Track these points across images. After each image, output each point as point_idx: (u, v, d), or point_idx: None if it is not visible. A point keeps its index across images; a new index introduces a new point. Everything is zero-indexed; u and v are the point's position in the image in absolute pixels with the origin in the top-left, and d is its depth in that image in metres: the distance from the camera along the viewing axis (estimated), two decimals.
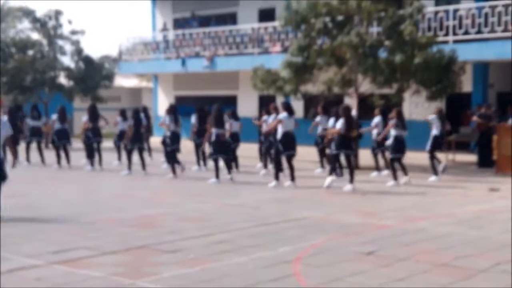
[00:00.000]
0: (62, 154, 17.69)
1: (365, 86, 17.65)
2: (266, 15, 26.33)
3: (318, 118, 16.40)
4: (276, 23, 21.42)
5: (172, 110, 15.88)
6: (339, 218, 10.04)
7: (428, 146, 15.29)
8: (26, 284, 6.28)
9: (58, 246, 7.79)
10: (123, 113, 17.63)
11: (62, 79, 27.99)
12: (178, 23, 29.68)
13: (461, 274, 6.65)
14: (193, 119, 17.21)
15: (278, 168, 13.75)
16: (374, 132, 15.79)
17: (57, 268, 6.82)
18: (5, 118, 10.05)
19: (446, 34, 19.70)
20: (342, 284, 6.30)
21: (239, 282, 6.35)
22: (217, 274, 6.61)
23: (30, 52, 27.23)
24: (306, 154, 17.90)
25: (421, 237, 8.55)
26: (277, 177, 13.67)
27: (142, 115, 17.33)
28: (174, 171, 15.19)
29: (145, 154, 17.04)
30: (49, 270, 6.77)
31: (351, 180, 13.03)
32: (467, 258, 7.31)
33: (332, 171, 13.55)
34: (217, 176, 14.17)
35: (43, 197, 12.39)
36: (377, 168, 15.85)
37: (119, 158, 18.37)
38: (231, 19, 27.96)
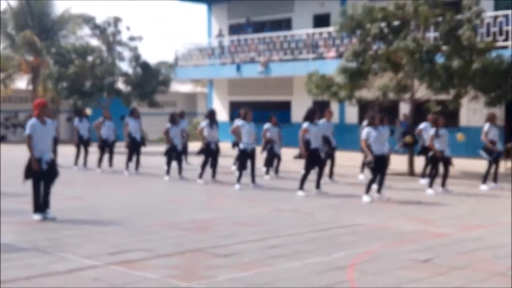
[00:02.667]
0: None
1: (421, 92, 17.43)
2: (321, 20, 26.28)
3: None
4: (331, 29, 21.36)
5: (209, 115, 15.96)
6: (394, 225, 9.94)
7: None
8: (85, 284, 6.44)
9: (115, 248, 7.97)
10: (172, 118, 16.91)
11: (120, 85, 28.57)
12: (233, 29, 29.91)
13: None
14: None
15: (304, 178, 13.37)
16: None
17: (114, 269, 6.97)
18: (50, 121, 10.32)
19: (506, 39, 19.28)
20: None
21: (292, 286, 6.36)
22: (271, 279, 6.64)
23: (90, 58, 27.89)
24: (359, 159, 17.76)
25: (477, 246, 8.39)
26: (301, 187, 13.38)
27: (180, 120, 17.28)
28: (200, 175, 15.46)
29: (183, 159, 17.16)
30: (106, 270, 6.93)
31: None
32: None
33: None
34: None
35: (103, 199, 12.68)
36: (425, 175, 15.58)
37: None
38: (286, 24, 28.01)
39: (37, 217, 9.95)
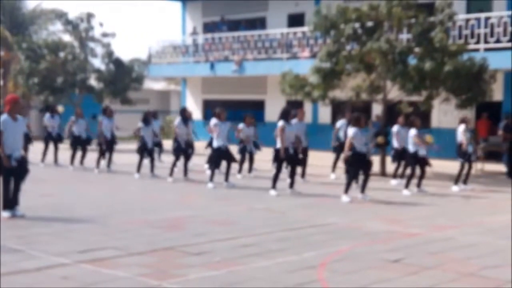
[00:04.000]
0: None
1: (394, 93, 17.56)
2: (295, 20, 26.35)
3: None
4: (305, 28, 21.43)
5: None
6: (365, 225, 10.00)
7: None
8: (53, 282, 6.36)
9: (85, 246, 7.89)
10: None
11: (93, 81, 28.31)
12: (208, 27, 29.84)
13: (488, 284, 6.57)
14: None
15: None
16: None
17: (84, 267, 6.90)
18: (22, 117, 10.21)
19: (477, 42, 19.51)
20: None
21: (264, 285, 6.36)
22: (242, 277, 6.63)
23: (62, 54, 27.58)
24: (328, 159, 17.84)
25: (448, 246, 8.47)
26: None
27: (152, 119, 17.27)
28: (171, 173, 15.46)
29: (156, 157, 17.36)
30: (76, 269, 6.85)
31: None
32: (495, 268, 7.22)
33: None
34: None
35: (74, 197, 12.55)
36: (397, 175, 15.78)
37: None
38: (260, 23, 28.02)
39: (6, 214, 9.81)
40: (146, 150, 16.30)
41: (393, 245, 8.42)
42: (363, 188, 12.82)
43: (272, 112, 26.49)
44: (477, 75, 16.69)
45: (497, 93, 20.06)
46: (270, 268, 7.04)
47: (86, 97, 27.95)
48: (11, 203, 9.87)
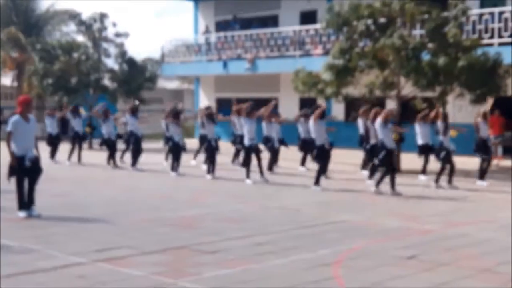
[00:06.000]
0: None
1: (408, 89, 17.48)
2: (308, 17, 26.29)
3: None
4: (318, 26, 21.38)
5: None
6: (380, 222, 9.97)
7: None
8: (70, 281, 6.41)
9: (101, 245, 7.94)
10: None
11: (106, 81, 28.43)
12: (220, 26, 29.86)
13: (503, 280, 6.54)
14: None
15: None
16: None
17: (100, 266, 6.95)
18: (34, 118, 10.30)
19: (491, 37, 19.38)
20: None
21: (279, 283, 6.37)
22: (257, 275, 6.64)
23: (75, 55, 27.70)
24: (347, 156, 17.81)
25: (463, 242, 8.44)
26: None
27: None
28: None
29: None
30: (92, 268, 6.90)
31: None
32: (509, 264, 7.18)
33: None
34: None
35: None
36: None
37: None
38: (273, 21, 28.00)
39: (22, 214, 9.89)
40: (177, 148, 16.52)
41: (408, 242, 8.40)
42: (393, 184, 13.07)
43: (285, 109, 26.47)
44: (491, 70, 16.57)
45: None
46: (285, 266, 7.05)
47: (100, 97, 28.08)
48: (26, 203, 9.94)
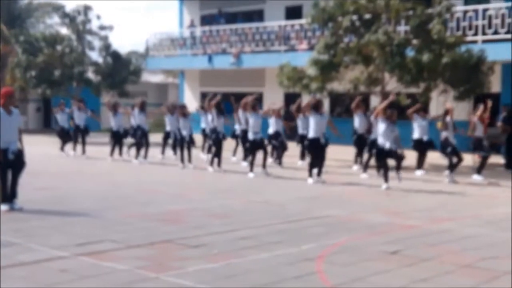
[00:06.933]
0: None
1: (392, 85, 17.55)
2: (293, 12, 26.29)
3: None
4: (303, 21, 21.38)
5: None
6: (364, 217, 10.01)
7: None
8: (52, 275, 6.36)
9: (84, 239, 7.88)
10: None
11: (90, 74, 28.28)
12: (205, 20, 29.77)
13: (485, 276, 6.58)
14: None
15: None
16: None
17: (82, 260, 6.90)
18: (17, 110, 10.21)
19: (475, 34, 19.50)
20: (365, 283, 6.27)
21: (262, 278, 6.37)
22: (240, 270, 6.63)
23: (59, 47, 27.54)
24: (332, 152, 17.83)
25: (446, 238, 8.48)
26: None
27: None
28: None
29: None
30: (74, 261, 6.85)
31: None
32: (492, 260, 7.23)
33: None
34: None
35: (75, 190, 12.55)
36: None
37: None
38: (258, 16, 27.97)
39: (4, 207, 9.80)
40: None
41: (392, 237, 8.43)
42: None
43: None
44: (475, 67, 16.70)
45: (495, 85, 20.05)
46: (268, 260, 7.05)
47: (83, 90, 27.92)
48: (8, 196, 9.86)
